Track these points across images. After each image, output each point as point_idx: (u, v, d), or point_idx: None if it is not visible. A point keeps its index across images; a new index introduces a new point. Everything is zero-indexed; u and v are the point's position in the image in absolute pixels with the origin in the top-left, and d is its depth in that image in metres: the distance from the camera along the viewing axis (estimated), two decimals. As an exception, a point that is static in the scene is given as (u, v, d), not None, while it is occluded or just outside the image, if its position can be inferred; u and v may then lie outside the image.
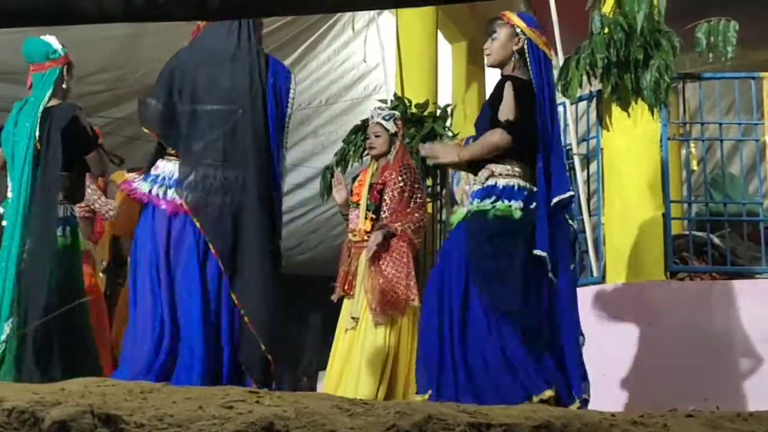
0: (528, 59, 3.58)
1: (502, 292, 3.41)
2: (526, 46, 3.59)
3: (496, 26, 3.67)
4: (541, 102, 3.53)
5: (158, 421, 1.87)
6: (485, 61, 3.78)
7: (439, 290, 3.49)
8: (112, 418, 1.84)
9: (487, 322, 3.39)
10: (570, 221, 3.65)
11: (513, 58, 3.63)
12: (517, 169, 3.56)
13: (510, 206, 3.49)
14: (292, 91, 3.41)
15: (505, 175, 3.55)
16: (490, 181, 3.56)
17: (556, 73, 5.16)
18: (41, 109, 3.94)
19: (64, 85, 4.07)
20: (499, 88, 3.62)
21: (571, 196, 3.57)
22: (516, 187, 3.53)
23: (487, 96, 3.91)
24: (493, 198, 3.51)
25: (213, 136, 3.30)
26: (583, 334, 3.50)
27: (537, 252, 3.42)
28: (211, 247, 3.26)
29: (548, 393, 3.27)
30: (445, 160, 3.75)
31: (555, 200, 3.48)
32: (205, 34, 3.44)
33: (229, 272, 3.25)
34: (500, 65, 3.70)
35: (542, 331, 3.41)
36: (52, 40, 4.11)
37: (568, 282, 3.50)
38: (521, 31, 3.61)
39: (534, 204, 3.51)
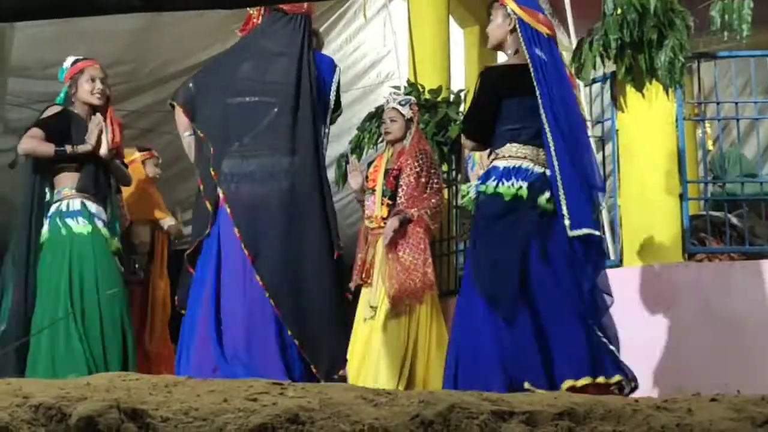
0: (521, 39, 3.59)
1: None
2: (517, 26, 3.60)
3: (492, 9, 3.74)
4: (539, 80, 3.50)
5: (183, 415, 1.88)
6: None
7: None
8: (138, 412, 1.85)
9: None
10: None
11: (508, 39, 3.66)
12: (524, 150, 3.53)
13: (509, 186, 3.46)
14: (335, 81, 3.58)
15: (508, 156, 3.54)
16: (494, 163, 3.58)
17: (569, 55, 5.15)
18: None
19: (73, 99, 4.29)
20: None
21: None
22: (518, 167, 3.51)
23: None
24: (493, 178, 3.50)
25: (260, 126, 3.41)
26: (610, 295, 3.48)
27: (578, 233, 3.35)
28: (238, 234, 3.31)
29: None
30: None
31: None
32: (255, 33, 3.57)
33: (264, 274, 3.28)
34: (498, 47, 3.77)
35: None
36: (65, 61, 4.36)
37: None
38: (512, 11, 3.63)
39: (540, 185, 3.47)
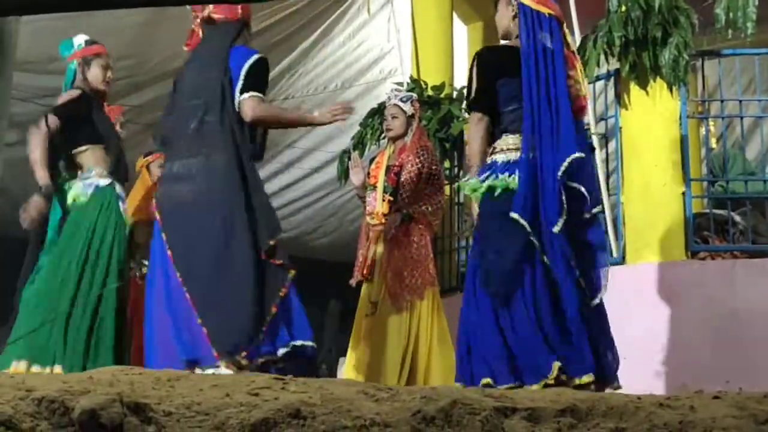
0: (518, 21, 3.51)
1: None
2: (518, 10, 3.52)
3: (498, 0, 3.67)
4: (529, 62, 3.40)
5: (186, 409, 1.88)
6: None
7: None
8: (141, 406, 1.86)
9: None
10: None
11: (512, 27, 3.58)
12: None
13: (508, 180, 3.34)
14: (243, 70, 3.49)
15: (506, 150, 3.44)
16: (490, 159, 3.47)
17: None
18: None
19: (81, 77, 4.25)
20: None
21: (575, 159, 3.29)
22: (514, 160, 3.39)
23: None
24: (488, 174, 3.40)
25: (187, 130, 3.49)
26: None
27: (512, 215, 3.24)
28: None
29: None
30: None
31: (561, 170, 3.26)
32: (199, 45, 3.68)
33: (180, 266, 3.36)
34: (505, 36, 3.67)
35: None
36: (76, 37, 4.34)
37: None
38: None
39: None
